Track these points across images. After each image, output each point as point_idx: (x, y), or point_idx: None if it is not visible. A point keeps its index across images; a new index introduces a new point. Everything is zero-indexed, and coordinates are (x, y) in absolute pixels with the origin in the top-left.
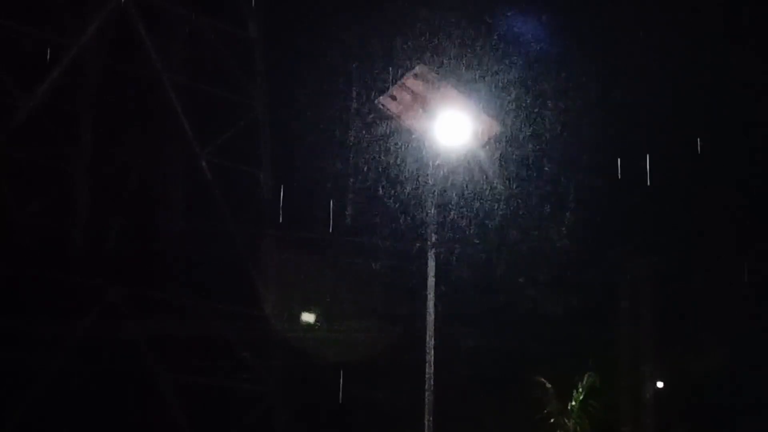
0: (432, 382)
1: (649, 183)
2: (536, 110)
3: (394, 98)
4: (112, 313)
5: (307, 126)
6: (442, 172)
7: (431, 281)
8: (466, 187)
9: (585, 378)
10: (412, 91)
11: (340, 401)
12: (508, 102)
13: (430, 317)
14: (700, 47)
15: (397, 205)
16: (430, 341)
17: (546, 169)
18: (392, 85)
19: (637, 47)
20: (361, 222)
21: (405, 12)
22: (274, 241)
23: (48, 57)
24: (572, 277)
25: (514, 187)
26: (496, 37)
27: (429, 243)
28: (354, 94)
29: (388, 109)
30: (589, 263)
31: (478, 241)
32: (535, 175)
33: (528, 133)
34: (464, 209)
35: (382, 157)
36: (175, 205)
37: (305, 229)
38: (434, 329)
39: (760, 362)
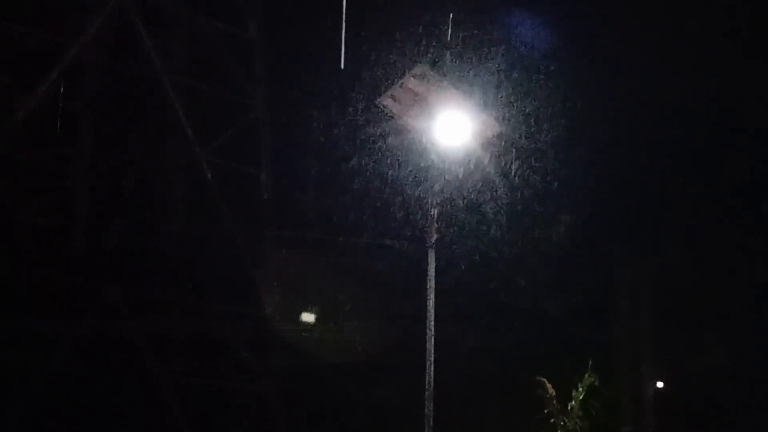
0: (432, 382)
1: (649, 183)
2: (536, 110)
3: (394, 98)
4: (112, 313)
5: (307, 126)
6: (441, 172)
7: (431, 281)
8: (466, 186)
9: (585, 378)
10: (412, 91)
11: (340, 401)
12: (509, 102)
13: (430, 317)
14: (702, 45)
15: (397, 205)
16: (430, 341)
17: (546, 168)
18: (392, 85)
19: (638, 46)
20: (360, 222)
21: (405, 12)
22: (274, 241)
23: (48, 57)
24: (572, 277)
25: (514, 186)
26: (496, 37)
27: (429, 243)
28: (354, 93)
29: (388, 109)
30: (589, 263)
31: (477, 241)
32: (535, 174)
33: (528, 133)
34: (464, 209)
35: (382, 157)
36: (175, 205)
37: (305, 229)
38: (434, 329)
39: (760, 362)
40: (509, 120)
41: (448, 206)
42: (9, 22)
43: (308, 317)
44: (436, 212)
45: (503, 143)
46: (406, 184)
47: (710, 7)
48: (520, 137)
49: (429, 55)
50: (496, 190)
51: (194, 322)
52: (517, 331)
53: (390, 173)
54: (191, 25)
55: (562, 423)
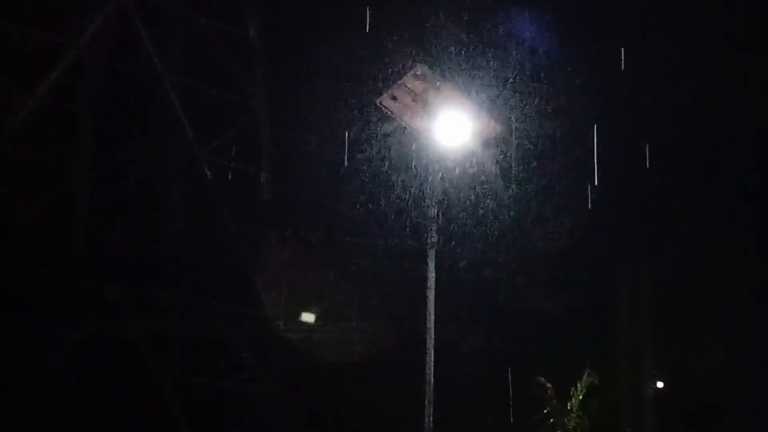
0: (432, 382)
1: (649, 183)
2: (537, 110)
3: (394, 98)
4: (112, 313)
5: (307, 126)
6: (442, 172)
7: (431, 281)
8: (466, 187)
9: (584, 377)
10: (412, 91)
11: (340, 401)
12: (509, 102)
13: (430, 317)
14: (701, 46)
15: (397, 205)
16: (430, 341)
17: (546, 168)
18: (392, 85)
19: (638, 46)
20: (361, 222)
21: (405, 12)
22: (274, 241)
23: (48, 57)
24: (572, 277)
25: (514, 186)
26: (497, 37)
27: (429, 243)
28: (354, 94)
29: (388, 109)
30: (589, 263)
31: (478, 241)
32: (535, 174)
33: (528, 133)
34: (464, 209)
35: (382, 157)
36: (175, 205)
37: (305, 229)
38: (434, 329)
39: (760, 362)
40: (509, 120)
41: (448, 206)
42: (9, 22)
43: (308, 317)
44: (436, 212)
45: (503, 143)
46: (405, 184)
47: (710, 7)
48: (519, 137)
49: (429, 55)
50: (496, 191)
51: (194, 322)
52: (517, 331)
53: (390, 173)
54: (191, 25)
55: (565, 421)
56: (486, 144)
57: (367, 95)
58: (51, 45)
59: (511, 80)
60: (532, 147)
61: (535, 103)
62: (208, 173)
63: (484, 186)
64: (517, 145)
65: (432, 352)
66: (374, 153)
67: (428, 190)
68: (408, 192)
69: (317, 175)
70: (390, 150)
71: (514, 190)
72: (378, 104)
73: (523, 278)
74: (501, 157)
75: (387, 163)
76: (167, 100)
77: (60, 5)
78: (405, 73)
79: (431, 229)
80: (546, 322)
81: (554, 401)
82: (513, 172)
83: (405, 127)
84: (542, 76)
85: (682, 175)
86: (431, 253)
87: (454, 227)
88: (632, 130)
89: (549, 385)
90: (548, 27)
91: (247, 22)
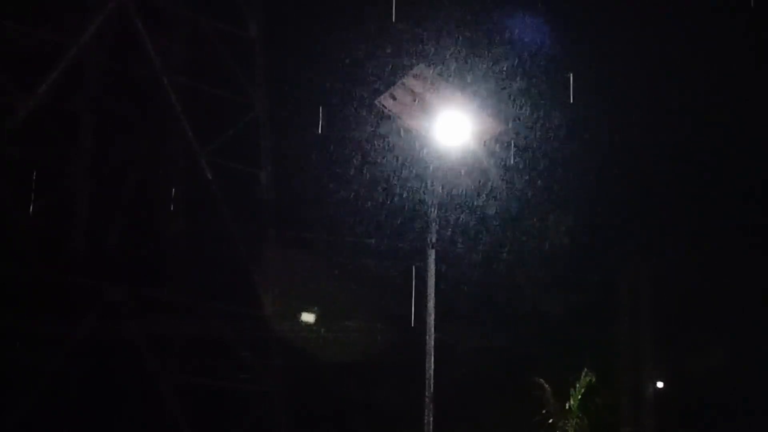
0: (432, 382)
1: (649, 183)
2: (536, 110)
3: (394, 98)
4: (112, 313)
5: (307, 126)
6: (442, 172)
7: (431, 281)
8: (466, 187)
9: (582, 377)
10: (412, 91)
11: (340, 401)
12: (508, 102)
13: (430, 317)
14: (701, 47)
15: (397, 205)
16: (430, 341)
17: (546, 169)
18: (392, 85)
19: (637, 47)
20: (361, 222)
21: (405, 12)
22: (274, 241)
23: (48, 57)
24: (572, 277)
25: (514, 187)
26: (496, 37)
27: (429, 243)
28: (354, 93)
29: (388, 109)
30: (589, 263)
31: (478, 241)
32: (535, 175)
33: (528, 133)
34: (464, 209)
35: (382, 157)
36: (176, 205)
37: (305, 229)
38: (434, 329)
39: (760, 362)
40: (509, 120)
41: (448, 206)
42: (9, 22)
43: (308, 317)
44: (435, 212)
45: (503, 144)
46: (406, 184)
47: (711, 8)
48: (520, 138)
49: (429, 55)
50: (496, 191)
51: (194, 322)
52: (517, 331)
53: (390, 173)
54: (191, 26)
55: (561, 423)
56: (486, 144)
57: (366, 95)
58: (51, 45)
59: (511, 80)
60: (532, 147)
61: (535, 103)
62: (208, 173)
63: (484, 186)
64: (517, 145)
65: (432, 352)
66: (374, 153)
67: (428, 189)
68: (408, 192)
69: (317, 175)
70: (390, 150)
71: (514, 190)
72: (378, 104)
73: (523, 278)
74: (501, 156)
75: (387, 162)
76: (167, 100)
77: (60, 5)
78: (405, 73)
79: (431, 230)
80: (546, 322)
81: (553, 401)
82: (513, 172)
83: (405, 127)
84: (542, 75)
85: (683, 175)
86: (431, 253)
87: (454, 227)
88: (633, 130)
89: (548, 385)
90: (548, 27)
91: (247, 22)
